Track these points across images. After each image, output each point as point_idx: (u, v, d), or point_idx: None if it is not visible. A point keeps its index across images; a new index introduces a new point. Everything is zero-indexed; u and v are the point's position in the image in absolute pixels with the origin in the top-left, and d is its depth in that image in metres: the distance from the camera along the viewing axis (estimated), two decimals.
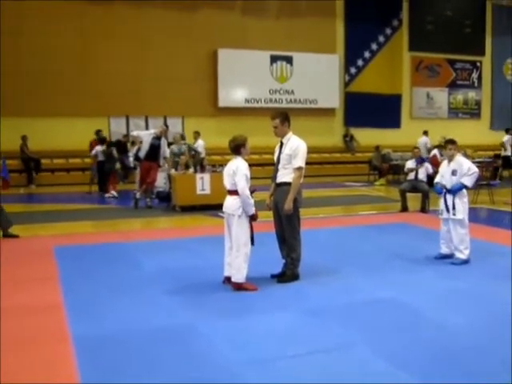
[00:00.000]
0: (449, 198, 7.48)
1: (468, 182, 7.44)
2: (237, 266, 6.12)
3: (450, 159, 7.57)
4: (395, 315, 5.41)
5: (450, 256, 7.60)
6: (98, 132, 17.25)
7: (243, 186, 6.07)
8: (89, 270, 7.30)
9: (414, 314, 5.41)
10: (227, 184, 6.27)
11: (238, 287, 6.17)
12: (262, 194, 6.68)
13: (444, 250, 7.70)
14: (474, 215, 11.74)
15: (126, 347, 4.65)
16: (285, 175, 6.56)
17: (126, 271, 7.21)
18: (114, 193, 15.48)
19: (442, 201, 7.62)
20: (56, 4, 18.40)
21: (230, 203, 6.21)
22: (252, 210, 6.16)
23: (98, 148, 16.18)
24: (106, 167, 15.83)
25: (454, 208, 7.42)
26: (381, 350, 4.52)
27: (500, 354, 4.42)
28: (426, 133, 21.15)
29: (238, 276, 6.14)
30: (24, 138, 17.85)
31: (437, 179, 7.84)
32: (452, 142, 7.61)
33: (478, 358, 4.39)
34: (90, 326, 5.14)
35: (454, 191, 7.43)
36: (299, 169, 6.46)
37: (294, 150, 6.46)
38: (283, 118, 6.57)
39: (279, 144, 6.68)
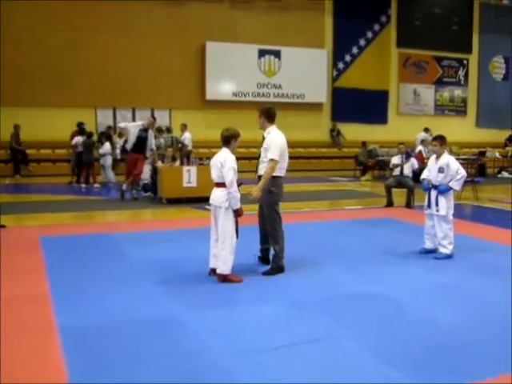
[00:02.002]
0: (433, 193, 7.56)
1: (457, 186, 7.53)
2: (222, 258, 6.16)
3: (438, 156, 7.64)
4: (378, 308, 5.47)
5: (434, 251, 7.69)
6: (79, 124, 17.15)
7: (231, 180, 6.09)
8: (75, 260, 7.28)
9: (397, 308, 5.48)
10: (214, 176, 6.30)
11: (224, 279, 6.21)
12: (248, 187, 6.71)
13: (428, 244, 7.78)
14: (458, 211, 11.87)
15: (112, 338, 4.66)
16: (263, 168, 6.68)
17: (112, 262, 7.22)
18: (96, 185, 15.73)
19: (426, 196, 7.71)
20: None
21: (217, 195, 6.23)
22: (237, 205, 6.18)
23: (79, 139, 16.28)
24: (85, 158, 16.06)
25: (437, 204, 7.51)
26: (364, 342, 4.58)
27: (482, 349, 4.49)
28: (426, 130, 21.22)
29: (224, 268, 6.18)
30: (16, 128, 17.61)
31: (424, 175, 7.90)
32: (438, 138, 7.68)
33: (460, 352, 4.45)
34: (76, 316, 5.15)
35: (441, 192, 7.49)
36: (272, 161, 6.53)
37: (269, 144, 6.60)
38: (262, 112, 6.78)
39: (262, 138, 6.84)
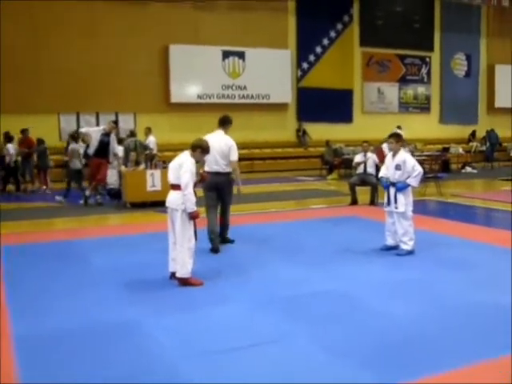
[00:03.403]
0: (392, 190, 7.61)
1: (414, 183, 7.59)
2: (181, 262, 6.11)
3: (394, 153, 7.70)
4: (338, 306, 5.50)
5: (395, 247, 7.74)
6: (22, 131, 16.88)
7: (187, 181, 6.05)
8: (35, 268, 7.19)
9: (356, 305, 5.51)
10: (171, 178, 6.26)
11: (184, 282, 6.16)
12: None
13: (389, 241, 7.83)
14: (421, 207, 12.03)
15: (67, 345, 4.61)
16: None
17: (73, 269, 7.14)
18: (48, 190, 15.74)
19: (386, 194, 7.76)
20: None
21: (174, 198, 6.19)
22: (192, 208, 6.09)
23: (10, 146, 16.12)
24: (41, 164, 16.02)
25: (396, 201, 7.56)
26: (322, 340, 4.60)
27: (442, 343, 4.52)
28: (399, 127, 21.38)
29: (183, 271, 6.13)
30: None
31: (381, 173, 7.95)
32: (394, 135, 7.75)
33: (414, 346, 4.49)
34: (32, 324, 5.08)
35: (399, 189, 7.54)
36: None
37: None
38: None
39: None
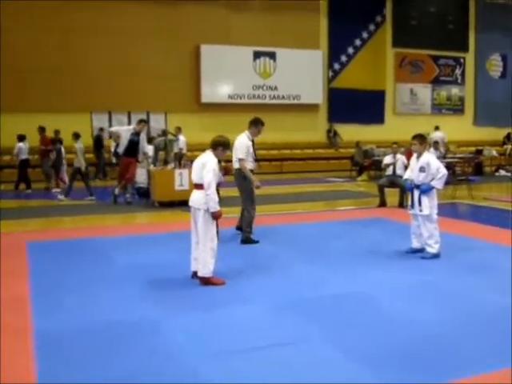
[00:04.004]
0: (416, 193, 7.51)
1: (439, 185, 7.45)
2: (203, 261, 6.12)
3: (418, 155, 7.59)
4: (358, 309, 5.44)
5: (421, 250, 7.63)
6: (39, 129, 17.08)
7: (210, 181, 6.05)
8: (60, 265, 7.28)
9: (378, 308, 5.44)
10: (194, 178, 6.27)
11: (205, 282, 6.17)
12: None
13: (415, 244, 7.73)
14: (451, 210, 11.88)
15: (86, 340, 4.66)
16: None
17: (97, 266, 7.20)
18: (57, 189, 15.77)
19: (410, 196, 7.67)
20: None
21: (197, 197, 6.20)
22: (215, 207, 6.09)
23: (21, 145, 16.22)
24: (56, 164, 15.95)
25: (420, 204, 7.45)
26: (340, 343, 4.55)
27: (463, 349, 4.45)
28: (437, 128, 21.15)
29: (205, 271, 6.14)
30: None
31: (406, 175, 7.86)
32: (418, 137, 7.64)
33: (435, 351, 4.41)
34: (53, 321, 5.13)
35: (424, 191, 7.43)
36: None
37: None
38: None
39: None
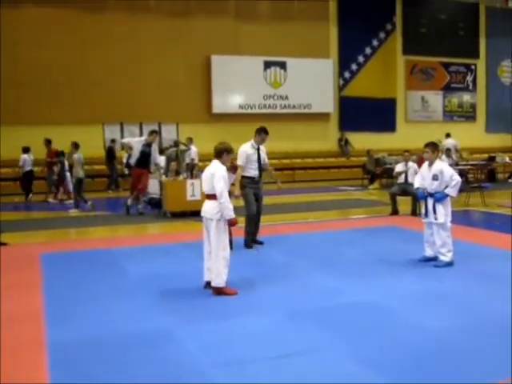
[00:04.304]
0: (430, 201, 7.47)
1: (453, 193, 7.41)
2: (216, 271, 6.13)
3: (431, 163, 7.56)
4: (370, 318, 5.41)
5: (434, 259, 7.59)
6: (46, 142, 17.25)
7: (221, 190, 6.06)
8: (74, 276, 7.31)
9: (391, 317, 5.42)
10: (205, 188, 6.30)
11: (218, 292, 6.17)
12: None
13: (428, 252, 7.69)
14: (465, 218, 11.81)
15: (100, 351, 4.67)
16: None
17: (110, 277, 7.23)
18: (52, 200, 16.15)
19: (423, 205, 7.63)
20: (49, 12, 18.52)
21: (209, 207, 6.22)
22: (230, 214, 6.12)
23: (25, 157, 16.60)
24: (61, 175, 16.19)
25: (435, 212, 7.41)
26: (353, 352, 4.53)
27: (476, 357, 4.41)
28: (449, 135, 21.07)
29: (218, 281, 6.14)
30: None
31: (417, 183, 7.79)
32: (430, 145, 7.60)
33: (448, 359, 4.38)
34: (67, 332, 5.15)
35: (438, 199, 7.39)
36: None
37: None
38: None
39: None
